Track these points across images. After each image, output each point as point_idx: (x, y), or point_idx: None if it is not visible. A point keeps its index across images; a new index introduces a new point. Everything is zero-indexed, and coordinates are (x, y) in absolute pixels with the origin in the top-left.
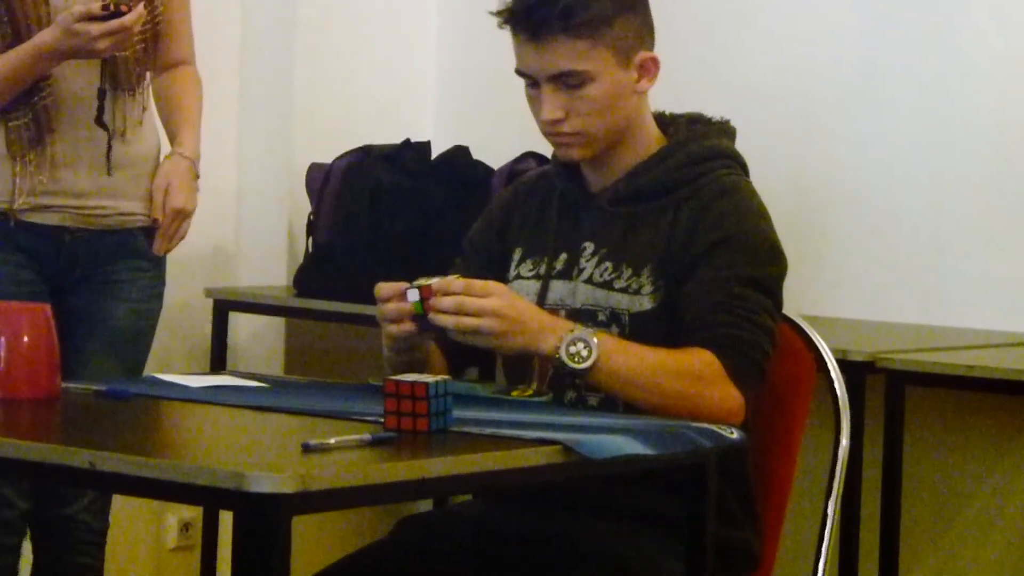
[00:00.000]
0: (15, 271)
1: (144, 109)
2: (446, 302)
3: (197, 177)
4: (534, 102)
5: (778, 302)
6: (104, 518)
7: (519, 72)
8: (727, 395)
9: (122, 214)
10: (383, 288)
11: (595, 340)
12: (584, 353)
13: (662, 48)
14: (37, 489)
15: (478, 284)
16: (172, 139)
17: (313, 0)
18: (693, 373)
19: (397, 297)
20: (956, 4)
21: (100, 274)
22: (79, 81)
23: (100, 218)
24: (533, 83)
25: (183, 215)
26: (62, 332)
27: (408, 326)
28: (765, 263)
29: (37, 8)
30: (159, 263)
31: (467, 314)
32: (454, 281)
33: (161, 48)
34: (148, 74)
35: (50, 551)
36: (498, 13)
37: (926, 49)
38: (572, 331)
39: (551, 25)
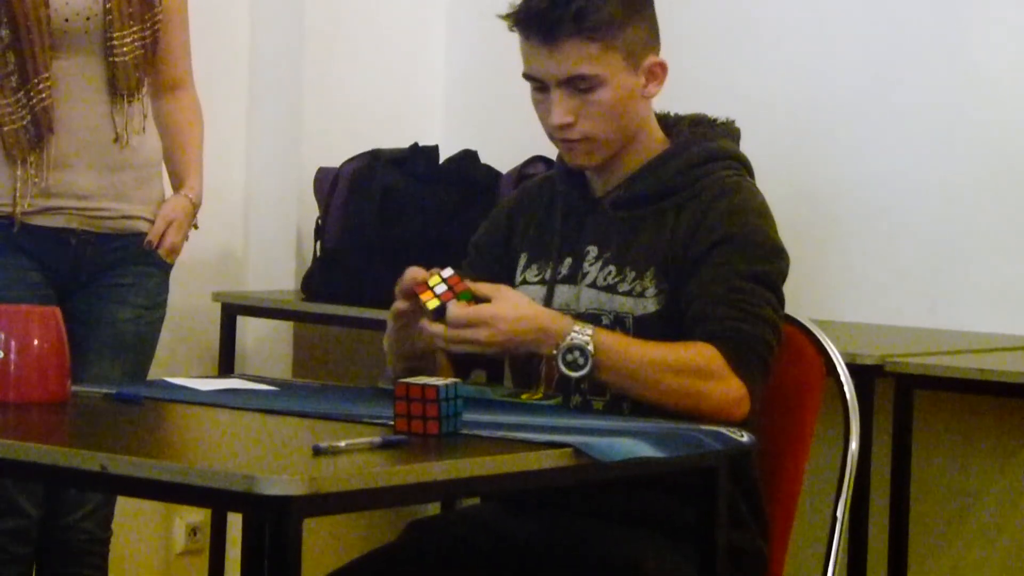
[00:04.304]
0: (23, 274)
1: (144, 116)
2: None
3: (195, 225)
4: (541, 106)
5: (780, 298)
6: (107, 527)
7: (527, 76)
8: (729, 387)
9: (127, 216)
10: (415, 272)
11: (591, 348)
12: (580, 362)
13: (671, 54)
14: (48, 497)
15: (485, 287)
16: (178, 180)
17: (321, 5)
18: (695, 368)
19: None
20: (966, 13)
21: (106, 278)
22: (78, 82)
23: (105, 220)
24: (540, 87)
25: (174, 252)
26: (67, 335)
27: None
28: (765, 259)
29: (37, 9)
30: (166, 268)
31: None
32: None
33: (161, 60)
34: (147, 80)
35: (52, 562)
36: (508, 16)
37: (935, 57)
38: (569, 337)
39: (564, 27)
